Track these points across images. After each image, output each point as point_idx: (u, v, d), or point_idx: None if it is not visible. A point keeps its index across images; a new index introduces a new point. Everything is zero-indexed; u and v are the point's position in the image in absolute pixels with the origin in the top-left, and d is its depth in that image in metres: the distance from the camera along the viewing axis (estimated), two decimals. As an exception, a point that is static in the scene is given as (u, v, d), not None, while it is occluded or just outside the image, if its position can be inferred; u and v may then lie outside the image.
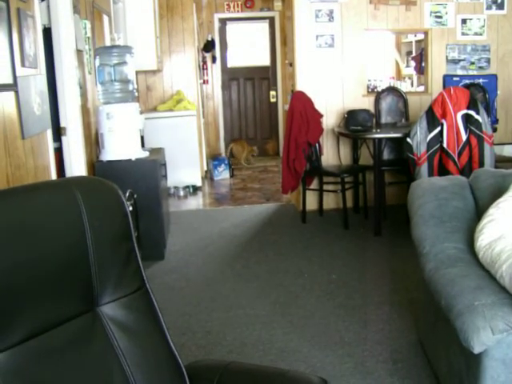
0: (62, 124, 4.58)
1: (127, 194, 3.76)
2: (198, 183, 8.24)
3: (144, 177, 5.04)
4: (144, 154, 5.19)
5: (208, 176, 9.12)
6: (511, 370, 2.24)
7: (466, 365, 2.46)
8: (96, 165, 5.02)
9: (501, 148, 6.71)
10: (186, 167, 7.99)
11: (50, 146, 4.01)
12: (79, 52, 4.85)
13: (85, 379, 1.46)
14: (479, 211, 2.89)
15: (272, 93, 10.60)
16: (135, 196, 3.96)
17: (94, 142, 5.27)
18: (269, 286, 4.52)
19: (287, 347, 3.52)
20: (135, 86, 5.36)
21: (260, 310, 4.09)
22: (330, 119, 6.54)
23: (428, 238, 2.82)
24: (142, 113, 5.66)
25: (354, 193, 6.50)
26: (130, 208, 3.83)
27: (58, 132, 4.54)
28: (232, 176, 9.10)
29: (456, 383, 2.62)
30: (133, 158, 5.04)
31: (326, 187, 6.42)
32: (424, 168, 5.01)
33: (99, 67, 5.17)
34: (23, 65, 3.40)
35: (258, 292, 4.41)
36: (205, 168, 9.10)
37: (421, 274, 2.78)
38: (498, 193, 2.82)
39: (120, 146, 5.03)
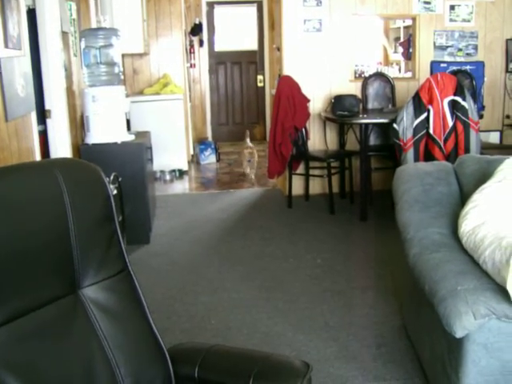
0: (47, 106, 4.54)
1: (111, 177, 3.73)
2: (185, 167, 8.21)
3: (130, 160, 5.01)
4: (130, 138, 5.16)
5: (194, 160, 9.09)
6: (492, 354, 2.26)
7: (448, 349, 2.47)
8: (81, 148, 4.98)
9: (487, 135, 6.73)
10: (172, 151, 7.96)
11: (35, 128, 3.97)
12: (64, 34, 4.80)
13: (66, 361, 1.45)
14: (464, 197, 2.89)
15: (259, 77, 10.56)
16: (120, 179, 3.93)
17: (79, 124, 5.24)
18: (254, 270, 4.52)
19: (272, 331, 3.53)
20: (121, 69, 5.31)
21: (245, 294, 4.09)
22: (316, 104, 6.52)
23: (412, 223, 2.82)
24: (127, 96, 5.62)
25: (340, 178, 6.50)
26: (115, 191, 3.82)
27: (43, 115, 4.50)
28: (218, 160, 9.08)
29: (438, 367, 2.63)
30: (118, 142, 5.01)
31: (312, 172, 6.42)
32: (410, 154, 5.01)
33: (85, 49, 5.13)
34: (6, 46, 3.35)
35: (243, 276, 4.41)
36: (191, 152, 9.07)
37: (405, 259, 2.78)
38: (483, 178, 2.83)
39: (105, 129, 5.00)
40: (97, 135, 4.99)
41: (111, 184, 3.64)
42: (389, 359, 3.17)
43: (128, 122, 5.39)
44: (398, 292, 3.95)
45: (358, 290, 4.09)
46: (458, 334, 2.18)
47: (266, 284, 4.24)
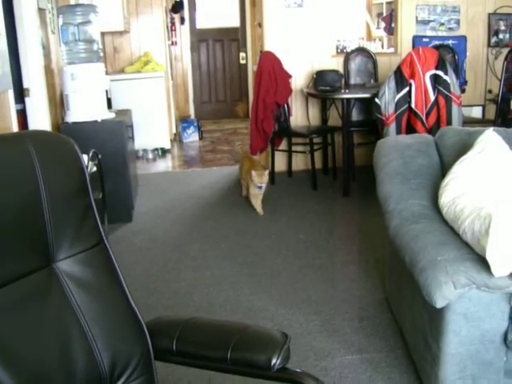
0: (25, 85, 4.48)
1: (90, 154, 3.69)
2: (167, 146, 8.18)
3: (110, 138, 4.97)
4: (110, 116, 5.12)
5: (177, 138, 9.05)
6: (472, 323, 2.26)
7: (429, 320, 2.48)
8: (61, 126, 4.93)
9: (469, 109, 6.74)
10: (154, 129, 7.93)
11: (12, 107, 3.92)
12: (41, 11, 4.73)
13: (41, 335, 1.43)
14: (444, 168, 2.89)
15: (242, 54, 10.49)
16: (99, 156, 3.89)
17: (58, 103, 5.18)
18: (236, 246, 4.51)
19: (254, 306, 3.53)
20: (100, 46, 5.25)
21: (227, 270, 4.09)
22: (298, 80, 6.49)
23: (393, 195, 2.81)
24: (107, 73, 5.56)
25: (322, 154, 6.49)
26: (94, 168, 3.78)
27: (22, 93, 4.44)
28: (201, 138, 9.04)
29: (420, 339, 2.64)
30: (99, 120, 4.97)
31: (294, 148, 6.41)
32: (392, 128, 5.01)
33: (63, 27, 5.05)
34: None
35: (226, 253, 4.40)
36: (174, 130, 9.02)
37: (386, 231, 2.78)
38: (463, 150, 2.82)
39: (85, 107, 4.94)
40: (77, 113, 4.93)
41: (90, 161, 3.60)
42: (371, 332, 3.18)
43: (109, 100, 5.34)
44: (380, 266, 3.96)
45: (341, 265, 4.10)
46: (439, 304, 2.18)
47: (248, 260, 4.24)
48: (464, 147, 2.86)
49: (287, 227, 4.87)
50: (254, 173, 5.19)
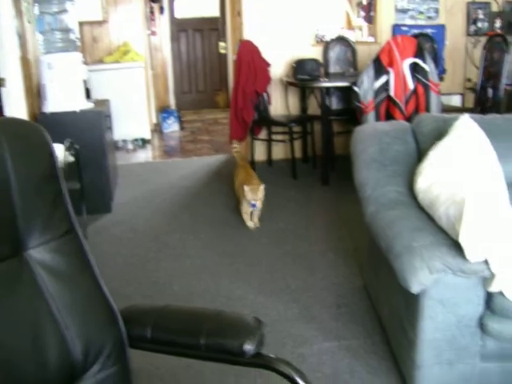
0: (1, 75, 4.43)
1: (67, 144, 3.66)
2: (147, 136, 8.13)
3: (89, 128, 4.94)
4: (88, 106, 5.08)
5: (157, 129, 9.00)
6: (449, 309, 2.27)
7: (405, 306, 2.49)
8: (38, 117, 4.88)
9: (449, 98, 6.75)
10: (134, 120, 7.87)
11: (-12, 97, 3.88)
12: (17, 0, 4.67)
13: (12, 324, 1.42)
14: (421, 155, 2.89)
15: (222, 44, 10.44)
16: (77, 147, 3.86)
17: (35, 93, 5.12)
18: (216, 236, 4.51)
19: (233, 295, 3.53)
20: (77, 36, 5.21)
21: (207, 259, 4.08)
22: (278, 69, 6.47)
23: (369, 182, 2.82)
24: (86, 64, 5.51)
25: (302, 143, 6.49)
26: (71, 158, 3.75)
27: (-2, 84, 4.40)
28: (182, 129, 9.00)
29: (397, 325, 2.65)
30: (77, 110, 4.92)
31: (274, 137, 6.40)
32: (371, 116, 5.01)
33: (39, 16, 5.01)
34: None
35: (206, 242, 4.39)
36: (154, 121, 8.98)
37: (362, 217, 2.78)
38: (440, 137, 2.82)
39: (63, 98, 4.90)
40: (54, 103, 4.89)
41: (66, 151, 3.57)
42: (349, 319, 3.19)
43: (88, 90, 5.30)
44: (358, 253, 3.97)
45: (319, 253, 4.10)
46: (414, 289, 2.19)
47: (228, 249, 4.24)
48: (440, 134, 2.86)
49: (267, 216, 4.86)
50: (246, 188, 4.53)
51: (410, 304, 2.41)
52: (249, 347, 1.49)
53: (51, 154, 1.56)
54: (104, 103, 5.52)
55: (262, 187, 4.55)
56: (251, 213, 4.63)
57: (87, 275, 1.62)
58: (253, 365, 1.59)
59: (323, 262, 3.96)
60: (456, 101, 6.98)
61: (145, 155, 7.60)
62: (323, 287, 3.59)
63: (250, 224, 4.65)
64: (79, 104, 4.97)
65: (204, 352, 1.56)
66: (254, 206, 4.53)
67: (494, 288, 2.20)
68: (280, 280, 3.70)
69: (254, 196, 4.50)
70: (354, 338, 3.01)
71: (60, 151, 3.51)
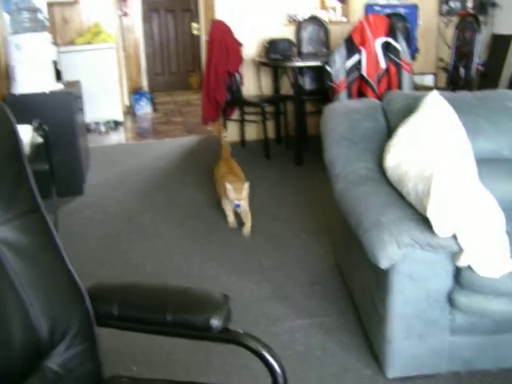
0: (-32, 56, 4.36)
1: (35, 124, 3.61)
2: (120, 118, 8.06)
3: (59, 110, 4.88)
4: (58, 87, 5.01)
5: (130, 111, 8.93)
6: (418, 283, 2.29)
7: (375, 282, 2.50)
8: (7, 98, 4.81)
9: (421, 78, 6.78)
10: (106, 102, 7.79)
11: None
12: (-18, -22, 4.60)
13: (-25, 302, 1.41)
14: (391, 132, 2.89)
15: (194, 25, 10.36)
16: (46, 128, 3.80)
17: (4, 74, 5.04)
18: (189, 216, 4.49)
19: (206, 274, 3.53)
20: (45, 16, 5.12)
21: (180, 240, 4.07)
22: (250, 49, 6.44)
23: (339, 159, 2.82)
24: (57, 45, 5.43)
25: (275, 123, 6.48)
26: (40, 139, 3.70)
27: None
28: (154, 110, 8.95)
29: (368, 301, 2.67)
30: (46, 91, 4.86)
31: (247, 118, 6.38)
32: (343, 95, 5.00)
33: (5, -5, 4.92)
34: None
35: (179, 223, 4.38)
36: (127, 103, 8.90)
37: (333, 195, 2.79)
38: (410, 114, 2.83)
39: (32, 79, 4.83)
40: (23, 85, 4.82)
41: (35, 131, 3.52)
42: (322, 297, 3.21)
43: (59, 72, 5.23)
44: (330, 232, 3.98)
45: (293, 232, 4.11)
46: (383, 264, 2.20)
47: (200, 229, 4.23)
48: (410, 111, 2.87)
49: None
50: (228, 186, 4.04)
51: (379, 279, 2.42)
52: (215, 322, 1.49)
53: (13, 131, 1.53)
54: (75, 85, 5.46)
55: (246, 185, 4.09)
56: (235, 212, 4.25)
57: (51, 253, 1.60)
58: (220, 340, 1.59)
59: (296, 241, 3.97)
60: (429, 80, 7.01)
61: (117, 137, 7.55)
62: (296, 266, 3.59)
63: (232, 223, 4.26)
64: (49, 85, 4.91)
65: (171, 328, 1.56)
66: (237, 206, 4.09)
67: (462, 262, 2.21)
68: (253, 260, 3.70)
69: (237, 195, 4.04)
70: (326, 315, 3.02)
71: (27, 131, 3.46)
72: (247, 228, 4.14)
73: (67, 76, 5.96)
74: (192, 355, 2.70)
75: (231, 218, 4.26)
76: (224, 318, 1.51)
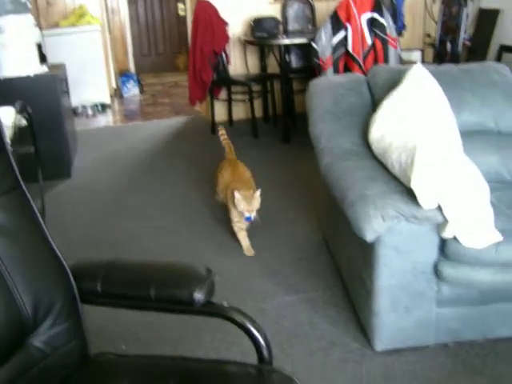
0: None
1: (18, 106, 3.57)
2: (107, 101, 8.01)
3: (44, 93, 4.85)
4: (43, 70, 4.97)
5: (117, 93, 8.88)
6: (403, 256, 2.29)
7: (362, 256, 2.50)
8: (-9, 82, 4.77)
9: (409, 54, 6.75)
10: (93, 85, 7.74)
11: None
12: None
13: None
14: (376, 106, 2.88)
15: (180, 6, 10.28)
16: (29, 110, 3.77)
17: (-13, 58, 4.99)
18: (176, 197, 4.49)
19: (194, 255, 3.52)
20: (28, -3, 5.06)
21: (167, 221, 4.07)
22: (236, 28, 6.39)
23: (324, 134, 2.82)
24: (41, 28, 5.37)
25: (262, 102, 6.45)
26: (24, 121, 3.68)
27: None
28: (142, 92, 8.90)
29: (355, 275, 2.68)
30: (31, 74, 4.82)
31: (234, 97, 6.35)
32: (329, 72, 4.98)
33: (-14, -24, 4.85)
34: None
35: (167, 204, 4.37)
36: (114, 85, 8.85)
37: (318, 170, 2.78)
38: (394, 87, 2.82)
39: (16, 62, 4.79)
40: (7, 68, 4.78)
41: (18, 113, 3.50)
42: (309, 273, 3.21)
43: (44, 56, 5.18)
44: (318, 209, 3.98)
45: (281, 210, 4.11)
46: (368, 238, 2.20)
47: (188, 210, 4.23)
48: (395, 85, 2.86)
49: (228, 176, 4.86)
50: (238, 195, 3.38)
51: (366, 253, 2.42)
52: (198, 296, 1.49)
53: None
54: (59, 67, 5.42)
55: (257, 193, 3.46)
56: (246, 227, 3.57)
57: (34, 231, 1.59)
58: (204, 313, 1.59)
59: (284, 218, 3.97)
60: (416, 56, 6.98)
61: (105, 120, 7.51)
62: (284, 243, 3.60)
63: (247, 248, 3.52)
64: (33, 68, 4.87)
65: (155, 303, 1.55)
66: (248, 219, 3.45)
67: (447, 234, 2.22)
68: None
69: (247, 206, 3.40)
70: (313, 290, 3.03)
71: (10, 113, 3.43)
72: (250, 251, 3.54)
73: (52, 59, 5.91)
74: (181, 332, 2.71)
75: (245, 241, 3.54)
76: (207, 292, 1.51)
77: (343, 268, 3.03)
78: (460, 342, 2.56)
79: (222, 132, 4.38)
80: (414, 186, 2.09)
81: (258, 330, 1.52)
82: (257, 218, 3.46)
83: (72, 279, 1.62)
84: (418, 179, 2.08)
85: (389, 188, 2.27)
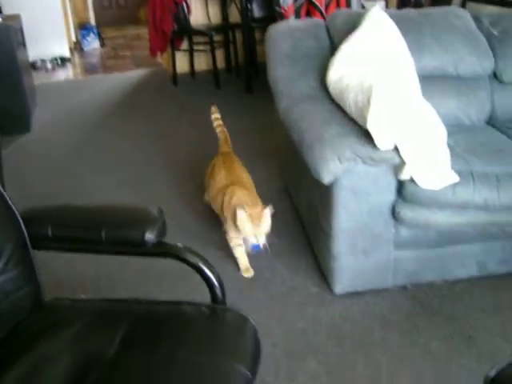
0: None
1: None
2: (67, 54, 7.84)
3: (-2, 44, 4.72)
4: (-4, 20, 4.84)
5: (77, 47, 8.70)
6: (361, 198, 2.29)
7: (321, 199, 2.50)
8: None
9: (372, 3, 6.67)
10: (51, 38, 7.55)
11: None
12: None
13: None
14: (334, 50, 2.85)
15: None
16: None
17: None
18: (138, 149, 4.44)
19: (157, 204, 3.48)
20: None
21: (129, 173, 4.02)
22: (196, -24, 6.28)
23: (282, 78, 2.78)
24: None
25: (225, 52, 6.37)
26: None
27: None
28: (102, 45, 8.73)
29: (314, 220, 2.67)
30: (-17, 25, 4.68)
31: (196, 48, 6.26)
32: (291, 20, 4.92)
33: None
34: None
35: (129, 155, 4.31)
36: (73, 39, 8.66)
37: (276, 114, 2.76)
38: (353, 31, 2.79)
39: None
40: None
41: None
42: (272, 220, 3.20)
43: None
44: (279, 157, 3.96)
45: (243, 158, 4.07)
46: (326, 180, 2.19)
47: (150, 161, 4.19)
48: (354, 28, 2.83)
49: (189, 127, 4.81)
50: (241, 214, 2.55)
51: (324, 196, 2.42)
52: (149, 236, 1.47)
53: None
54: (14, 18, 5.26)
55: (267, 211, 2.61)
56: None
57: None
58: (157, 254, 1.58)
59: (246, 167, 3.94)
60: (380, 5, 6.92)
61: (65, 74, 7.36)
62: (245, 192, 3.58)
63: (246, 268, 2.75)
64: (-14, 19, 4.73)
65: (107, 245, 1.54)
66: (256, 247, 2.66)
67: (404, 176, 2.22)
68: (199, 188, 3.67)
69: (255, 228, 2.57)
70: (274, 237, 3.02)
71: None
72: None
73: (7, 10, 5.74)
74: (141, 280, 2.70)
75: (243, 260, 2.77)
76: (158, 232, 1.50)
77: (303, 214, 3.03)
78: (418, 283, 2.60)
79: (215, 115, 3.53)
80: (370, 126, 2.07)
81: (211, 270, 1.52)
82: (266, 246, 2.63)
83: (22, 225, 1.59)
84: (375, 119, 2.06)
85: (346, 130, 2.25)
